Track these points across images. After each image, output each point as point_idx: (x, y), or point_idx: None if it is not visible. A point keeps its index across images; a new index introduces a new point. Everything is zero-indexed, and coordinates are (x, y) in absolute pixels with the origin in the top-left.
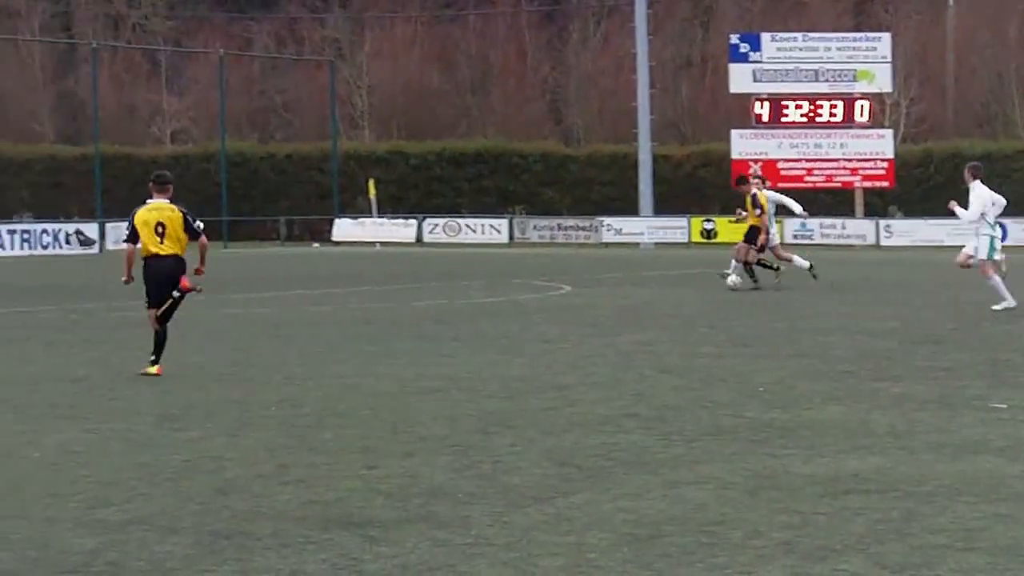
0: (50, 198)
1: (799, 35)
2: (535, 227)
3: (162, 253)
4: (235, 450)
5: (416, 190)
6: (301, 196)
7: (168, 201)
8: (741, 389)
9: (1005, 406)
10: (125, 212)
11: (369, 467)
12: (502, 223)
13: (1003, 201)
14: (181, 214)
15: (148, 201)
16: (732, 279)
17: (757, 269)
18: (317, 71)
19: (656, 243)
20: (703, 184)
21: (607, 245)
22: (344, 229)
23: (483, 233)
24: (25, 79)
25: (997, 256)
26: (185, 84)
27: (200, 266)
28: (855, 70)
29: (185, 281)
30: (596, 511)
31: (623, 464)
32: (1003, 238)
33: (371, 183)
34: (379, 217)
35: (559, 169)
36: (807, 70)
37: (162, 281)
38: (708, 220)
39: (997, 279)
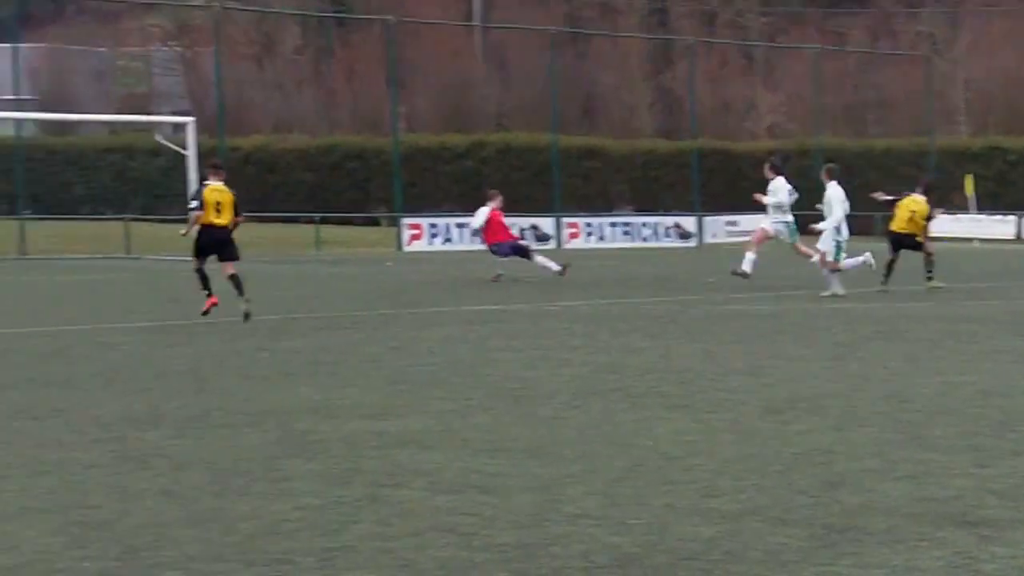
0: (649, 192)
1: None
2: None
3: (217, 223)
4: (843, 444)
5: (1014, 186)
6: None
7: (223, 183)
8: None
9: None
10: (723, 206)
11: (980, 465)
12: None
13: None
14: (232, 195)
15: (206, 183)
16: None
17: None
18: (911, 66)
19: None
20: None
21: None
22: (940, 225)
23: None
24: (625, 75)
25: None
26: (779, 79)
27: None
28: None
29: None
30: None
31: None
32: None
33: (968, 179)
34: (977, 214)
35: None
36: None
37: (213, 243)
38: None
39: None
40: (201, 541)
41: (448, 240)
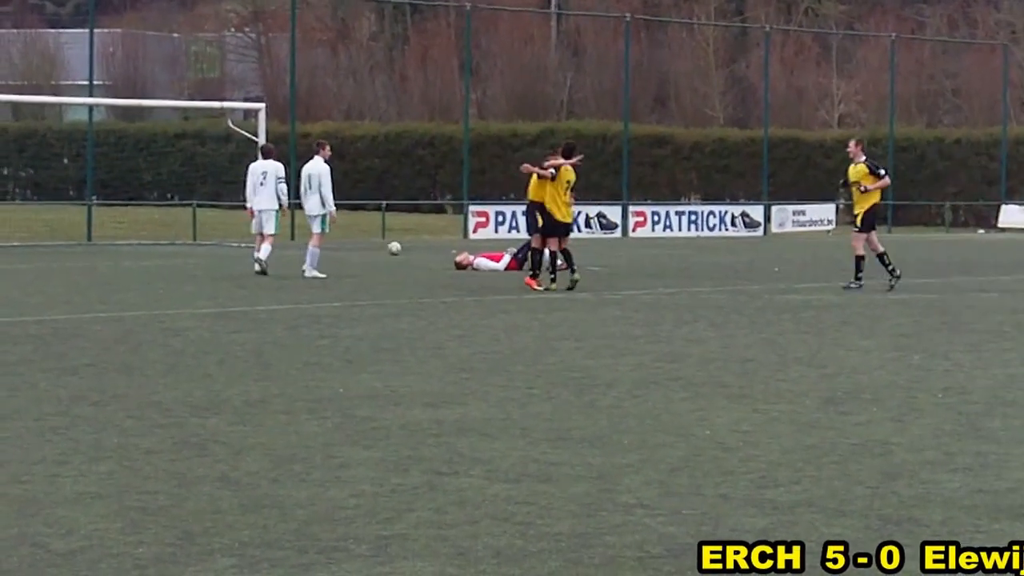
0: (718, 180)
1: None
2: None
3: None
4: (902, 435)
5: None
6: (968, 181)
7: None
8: None
9: None
10: (790, 195)
11: None
12: None
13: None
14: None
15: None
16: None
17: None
18: (989, 55)
19: None
20: None
21: None
22: (1010, 215)
23: None
24: (699, 63)
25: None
26: (855, 67)
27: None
28: None
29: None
30: None
31: None
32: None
33: None
34: None
35: None
36: None
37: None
38: None
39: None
40: (256, 527)
41: (514, 228)
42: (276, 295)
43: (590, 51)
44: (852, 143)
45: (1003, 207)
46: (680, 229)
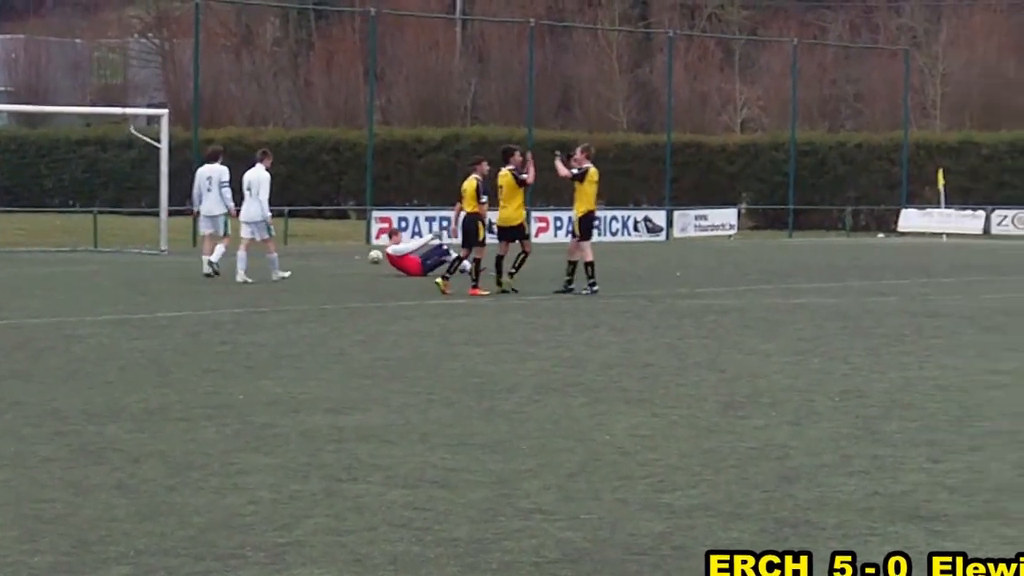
0: (620, 185)
1: None
2: None
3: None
4: (799, 439)
5: (986, 181)
6: (869, 186)
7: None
8: None
9: None
10: (694, 200)
11: (934, 461)
12: None
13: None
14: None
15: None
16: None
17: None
18: (891, 60)
19: None
20: None
21: None
22: (910, 220)
23: None
24: (603, 68)
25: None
26: (757, 73)
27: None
28: None
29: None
30: None
31: None
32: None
33: (940, 173)
34: (946, 208)
35: None
36: None
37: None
38: None
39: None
40: (153, 535)
41: (417, 234)
42: (177, 301)
43: (495, 56)
44: (579, 150)
45: (903, 211)
46: None
